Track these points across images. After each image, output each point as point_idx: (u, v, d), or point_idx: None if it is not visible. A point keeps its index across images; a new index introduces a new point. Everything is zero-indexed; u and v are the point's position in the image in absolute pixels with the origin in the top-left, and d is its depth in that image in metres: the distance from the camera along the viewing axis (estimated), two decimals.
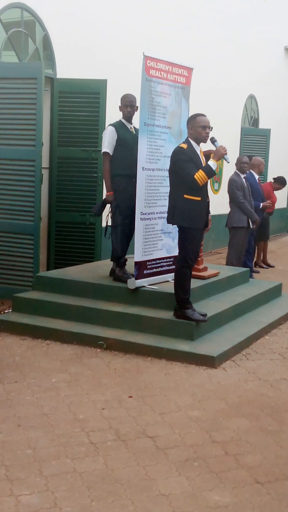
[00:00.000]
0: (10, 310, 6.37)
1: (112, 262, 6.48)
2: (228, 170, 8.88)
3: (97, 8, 8.38)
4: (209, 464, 3.49)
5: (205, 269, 6.76)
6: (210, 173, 5.31)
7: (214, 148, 5.49)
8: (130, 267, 6.21)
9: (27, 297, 6.28)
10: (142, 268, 6.00)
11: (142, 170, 5.83)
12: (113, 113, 6.71)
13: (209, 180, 5.42)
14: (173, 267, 6.14)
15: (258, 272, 9.76)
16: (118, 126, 6.20)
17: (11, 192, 6.86)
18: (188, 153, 5.36)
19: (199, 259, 6.36)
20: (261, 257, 10.66)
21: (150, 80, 5.80)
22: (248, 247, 8.90)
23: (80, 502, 3.05)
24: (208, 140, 5.51)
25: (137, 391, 4.54)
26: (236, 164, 8.53)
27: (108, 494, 3.13)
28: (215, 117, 7.28)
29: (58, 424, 3.94)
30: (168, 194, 5.79)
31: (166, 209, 5.85)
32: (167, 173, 5.79)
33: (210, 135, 5.51)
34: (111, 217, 6.27)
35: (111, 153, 6.14)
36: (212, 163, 5.31)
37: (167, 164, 5.86)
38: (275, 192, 10.60)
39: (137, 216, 5.86)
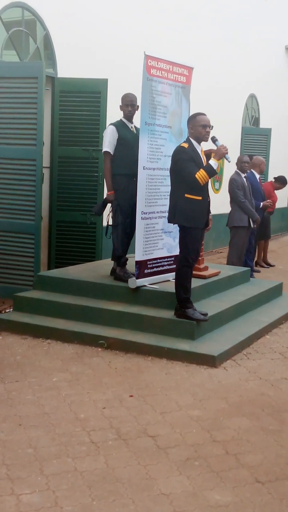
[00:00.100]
0: (11, 310, 6.38)
1: (113, 262, 6.48)
2: (229, 169, 8.90)
3: (98, 7, 8.38)
4: (210, 464, 3.49)
5: (206, 268, 6.77)
6: (211, 172, 5.31)
7: (215, 148, 5.49)
8: (131, 266, 6.21)
9: (28, 296, 6.28)
10: (142, 268, 6.00)
11: (143, 169, 5.83)
12: (114, 113, 6.71)
13: (210, 180, 5.42)
14: (174, 266, 6.14)
15: (258, 271, 9.76)
16: (119, 125, 6.21)
17: (12, 192, 6.86)
18: (189, 153, 5.36)
19: (200, 258, 6.36)
20: (262, 256, 10.66)
21: (151, 80, 5.80)
22: (249, 247, 8.90)
23: (81, 501, 3.05)
24: (209, 140, 5.51)
25: (138, 391, 4.55)
26: (236, 164, 8.53)
27: (109, 494, 3.13)
28: (216, 116, 7.29)
29: (59, 423, 3.95)
30: (168, 194, 5.79)
31: (166, 208, 5.85)
32: (167, 173, 5.79)
33: (211, 134, 5.52)
34: (112, 217, 6.27)
35: (112, 153, 6.14)
36: (213, 162, 5.31)
37: (167, 163, 5.86)
38: (275, 191, 10.59)
39: (138, 215, 5.86)
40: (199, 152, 5.48)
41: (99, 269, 6.82)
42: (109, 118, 7.04)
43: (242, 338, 5.69)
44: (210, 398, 4.47)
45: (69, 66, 7.88)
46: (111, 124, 6.25)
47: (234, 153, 10.62)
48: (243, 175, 8.49)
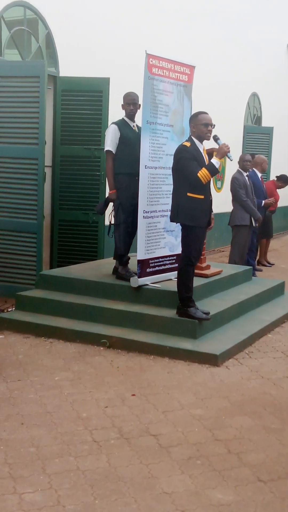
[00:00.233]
0: (13, 309, 6.38)
1: (115, 260, 6.48)
2: (231, 168, 8.89)
3: (100, 7, 8.38)
4: (212, 462, 3.49)
5: (208, 267, 6.76)
6: (213, 171, 5.31)
7: (217, 146, 5.49)
8: (133, 265, 6.21)
9: (30, 295, 6.29)
10: (145, 266, 6.00)
11: (145, 168, 5.83)
12: (115, 112, 6.71)
13: (212, 179, 5.42)
14: (176, 265, 6.15)
15: (261, 270, 9.75)
16: (121, 124, 6.20)
17: (14, 191, 6.87)
18: (191, 151, 5.36)
19: (202, 257, 6.36)
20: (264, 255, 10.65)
21: (152, 78, 5.80)
22: (251, 245, 8.90)
23: (83, 500, 3.06)
24: (211, 138, 5.51)
25: (140, 389, 4.55)
26: (239, 162, 8.52)
27: (111, 492, 3.14)
28: (218, 115, 7.28)
29: (61, 422, 3.95)
30: (170, 192, 5.79)
31: (168, 207, 5.85)
32: (169, 171, 5.78)
33: (213, 133, 5.51)
34: (114, 216, 6.27)
35: (114, 152, 6.14)
36: (215, 161, 5.31)
37: (169, 162, 5.86)
38: (278, 190, 10.58)
39: (140, 214, 5.86)
40: (201, 151, 5.47)
41: (101, 268, 6.82)
42: (111, 117, 7.04)
43: (244, 337, 5.69)
44: (212, 397, 4.47)
45: (71, 65, 7.88)
46: (113, 123, 6.25)
47: (236, 152, 10.61)
48: (245, 174, 8.49)
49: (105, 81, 7.45)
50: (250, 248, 8.88)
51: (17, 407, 4.17)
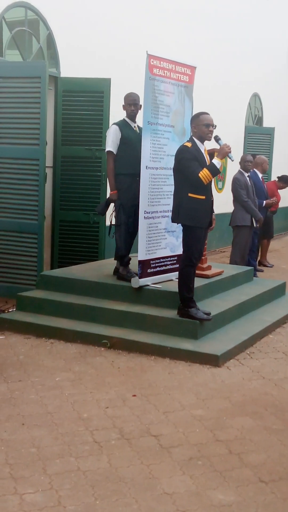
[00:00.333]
0: (14, 309, 6.38)
1: (116, 261, 6.48)
2: (232, 169, 8.88)
3: (101, 7, 8.38)
4: (213, 463, 3.49)
5: (209, 268, 6.76)
6: (214, 171, 5.31)
7: (218, 147, 5.48)
8: (134, 266, 6.21)
9: (31, 296, 6.28)
10: (145, 267, 6.00)
11: (146, 169, 5.83)
12: (116, 112, 6.71)
13: (213, 179, 5.42)
14: (177, 266, 6.14)
15: (262, 271, 9.75)
16: (122, 125, 6.20)
17: (15, 191, 6.87)
18: (193, 152, 5.36)
19: (203, 258, 6.35)
20: (265, 255, 10.64)
21: (153, 79, 5.80)
22: (252, 246, 8.89)
23: (84, 501, 3.05)
24: (212, 139, 5.51)
25: (141, 390, 4.54)
26: (240, 163, 8.52)
27: (112, 493, 3.13)
28: (219, 115, 7.28)
29: (62, 422, 3.95)
30: (171, 193, 5.79)
31: (169, 208, 5.85)
32: (170, 172, 5.78)
33: (214, 134, 5.51)
34: (115, 216, 6.26)
35: (115, 152, 6.14)
36: (216, 161, 5.31)
37: (170, 162, 5.85)
38: (279, 190, 10.58)
39: (141, 215, 5.86)
40: (203, 151, 5.47)
41: (102, 268, 6.82)
42: (112, 118, 7.04)
43: (245, 337, 5.68)
44: (213, 397, 4.47)
45: (72, 66, 7.88)
46: (114, 123, 6.25)
47: (237, 153, 10.59)
48: (246, 175, 8.49)
49: (106, 82, 7.45)
50: (251, 248, 8.87)
51: (18, 407, 4.17)
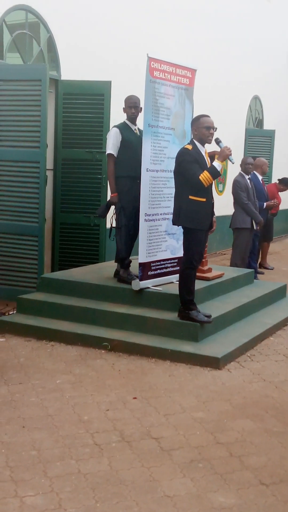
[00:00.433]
0: (15, 312, 6.38)
1: (116, 264, 6.48)
2: (233, 171, 8.89)
3: (101, 10, 8.39)
4: (213, 466, 3.48)
5: (209, 270, 6.76)
6: (215, 173, 5.31)
7: (218, 149, 5.49)
8: (134, 268, 6.21)
9: (31, 298, 6.28)
10: (146, 269, 6.00)
11: (146, 171, 5.83)
12: (117, 115, 6.72)
13: (213, 182, 5.42)
14: (178, 268, 6.14)
15: (262, 273, 9.74)
16: (122, 127, 6.21)
17: (15, 194, 6.87)
18: (193, 154, 5.36)
19: (203, 260, 6.35)
20: (266, 258, 10.63)
21: (154, 82, 5.81)
22: (253, 248, 8.90)
23: (84, 504, 3.05)
24: (213, 141, 5.51)
25: (141, 393, 4.54)
26: (241, 165, 8.53)
27: (112, 495, 3.13)
28: (219, 118, 7.28)
29: (62, 425, 3.95)
30: (172, 195, 5.80)
31: (170, 210, 5.86)
32: (171, 174, 5.79)
33: (215, 136, 5.52)
34: (116, 219, 6.27)
35: (115, 155, 6.15)
36: (217, 163, 5.31)
37: (171, 165, 5.86)
38: (280, 193, 10.58)
39: (141, 217, 5.86)
40: (203, 153, 5.48)
41: (103, 271, 6.82)
42: (113, 120, 7.04)
43: (246, 340, 5.68)
44: (213, 400, 4.46)
45: (73, 69, 7.89)
46: (115, 126, 6.25)
47: (237, 155, 10.61)
48: (247, 177, 8.49)
49: (107, 85, 7.45)
50: (252, 251, 8.88)
51: (19, 410, 4.17)
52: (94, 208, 7.29)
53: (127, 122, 6.28)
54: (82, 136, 7.60)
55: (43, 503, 3.04)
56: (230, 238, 8.92)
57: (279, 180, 10.71)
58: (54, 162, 7.82)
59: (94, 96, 7.51)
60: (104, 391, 4.54)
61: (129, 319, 5.76)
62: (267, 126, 14.18)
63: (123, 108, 6.28)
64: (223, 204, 10.08)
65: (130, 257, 6.33)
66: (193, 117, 5.74)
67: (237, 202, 8.45)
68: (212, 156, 5.68)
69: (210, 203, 5.52)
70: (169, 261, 6.32)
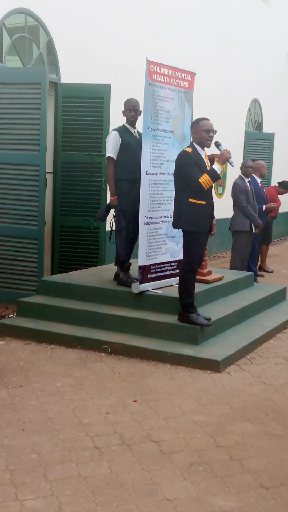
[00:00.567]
0: (15, 315, 6.38)
1: (116, 266, 6.48)
2: (233, 174, 8.89)
3: (101, 13, 8.41)
4: (214, 469, 3.48)
5: (209, 273, 6.76)
6: (215, 176, 5.31)
7: (218, 152, 5.49)
8: (134, 271, 6.21)
9: (31, 301, 6.28)
10: (146, 272, 6.00)
11: (146, 174, 5.84)
12: (116, 118, 6.72)
13: (213, 184, 5.43)
14: (177, 271, 6.15)
15: (262, 276, 9.75)
16: (122, 130, 6.22)
17: (15, 197, 6.87)
18: (193, 157, 5.37)
19: (203, 263, 6.36)
20: (265, 261, 10.64)
21: (153, 85, 5.81)
22: (253, 251, 8.90)
23: (84, 507, 3.04)
24: (213, 144, 5.52)
25: (141, 396, 4.54)
26: (241, 168, 8.54)
27: (112, 499, 3.12)
28: (219, 121, 7.29)
29: (62, 428, 3.94)
30: (171, 198, 5.80)
31: (169, 213, 5.86)
32: (170, 177, 5.79)
33: (215, 139, 5.52)
34: (115, 222, 6.27)
35: (115, 158, 6.16)
36: (216, 166, 5.32)
37: (170, 168, 5.87)
38: (279, 196, 10.59)
39: (141, 220, 5.87)
40: (203, 156, 5.48)
41: (103, 274, 6.82)
42: (112, 123, 7.05)
43: (246, 342, 5.68)
44: (214, 403, 4.46)
45: (72, 72, 7.90)
46: (114, 129, 6.26)
47: (237, 158, 10.62)
48: (246, 180, 8.50)
49: (106, 88, 7.46)
50: (252, 254, 8.88)
51: (18, 413, 4.16)
52: (93, 211, 7.30)
53: (127, 125, 6.28)
54: (82, 139, 7.61)
55: (43, 506, 3.04)
56: (229, 241, 8.93)
57: (279, 183, 10.72)
58: (54, 165, 7.83)
59: (94, 99, 7.52)
60: (104, 394, 4.54)
61: (129, 322, 5.76)
62: (266, 129, 14.20)
63: (123, 111, 6.29)
64: (223, 207, 10.08)
65: (130, 260, 6.33)
66: (193, 120, 5.75)
67: (236, 205, 8.46)
68: (211, 159, 5.68)
69: (210, 206, 5.52)
70: (169, 264, 6.32)
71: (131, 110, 6.22)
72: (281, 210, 10.66)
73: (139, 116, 6.23)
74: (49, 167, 7.65)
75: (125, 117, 6.29)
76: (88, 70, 8.13)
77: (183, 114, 6.30)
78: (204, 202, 5.41)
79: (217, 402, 4.48)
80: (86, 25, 8.17)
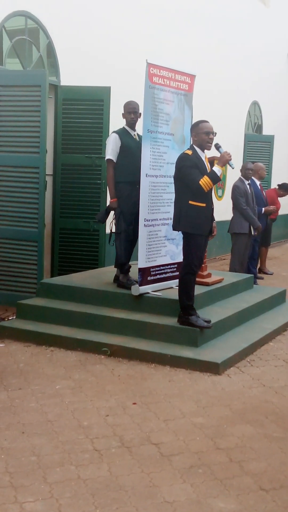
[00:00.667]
0: (14, 317, 6.38)
1: (116, 269, 6.48)
2: (233, 176, 8.90)
3: (101, 15, 8.42)
4: (213, 471, 3.48)
5: (209, 275, 6.76)
6: (215, 178, 5.32)
7: (218, 155, 5.50)
8: (134, 273, 6.21)
9: (31, 303, 6.28)
10: (146, 275, 6.00)
11: (146, 176, 5.84)
12: (116, 120, 6.73)
13: (213, 187, 5.43)
14: (177, 273, 6.15)
15: (262, 278, 9.75)
16: (122, 133, 6.22)
17: (15, 199, 6.88)
18: (193, 159, 5.38)
19: (203, 265, 6.36)
20: (264, 263, 10.64)
21: (153, 87, 5.82)
22: (253, 253, 8.90)
23: (84, 509, 3.04)
24: (213, 147, 5.53)
25: (141, 398, 4.54)
26: (241, 171, 8.55)
27: (112, 501, 3.12)
28: (219, 123, 7.30)
29: (62, 431, 3.94)
30: (171, 201, 5.81)
31: (169, 215, 5.86)
32: (170, 180, 5.80)
33: (215, 141, 5.53)
34: (115, 224, 6.28)
35: (114, 160, 6.16)
36: (217, 169, 5.33)
37: (170, 170, 5.87)
38: (279, 198, 10.59)
39: (141, 222, 5.87)
40: (203, 159, 5.49)
41: (102, 276, 6.82)
42: (112, 126, 7.06)
43: (246, 345, 5.68)
44: (213, 405, 4.46)
45: (72, 74, 7.91)
46: (114, 131, 6.27)
47: (237, 161, 10.63)
48: (246, 182, 8.50)
49: (106, 90, 7.47)
50: (252, 256, 8.88)
51: (18, 415, 4.16)
52: (93, 213, 7.30)
53: (126, 127, 6.29)
54: (82, 142, 7.61)
55: (42, 509, 3.04)
56: (229, 243, 8.93)
57: (278, 185, 10.73)
58: (54, 167, 7.83)
59: (94, 101, 7.53)
60: (104, 397, 4.54)
61: (129, 324, 5.76)
62: (266, 131, 14.21)
63: (122, 113, 6.30)
64: (223, 209, 10.09)
65: (130, 262, 6.34)
66: (192, 122, 5.75)
67: (235, 207, 8.46)
68: (211, 161, 5.69)
69: (210, 208, 5.53)
70: (169, 266, 6.32)
71: (131, 112, 6.23)
72: (281, 212, 10.67)
73: (139, 119, 6.23)
74: (49, 169, 7.65)
75: (124, 119, 6.29)
76: (88, 73, 8.14)
77: (183, 117, 6.31)
78: (204, 204, 5.42)
79: (217, 404, 4.48)
80: (86, 28, 8.18)
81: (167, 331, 5.59)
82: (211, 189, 5.42)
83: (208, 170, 5.44)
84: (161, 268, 6.22)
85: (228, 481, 3.37)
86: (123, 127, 6.30)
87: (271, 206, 9.47)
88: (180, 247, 5.85)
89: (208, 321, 5.60)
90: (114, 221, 6.30)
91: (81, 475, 3.38)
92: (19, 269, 6.91)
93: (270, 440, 3.92)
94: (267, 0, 14.11)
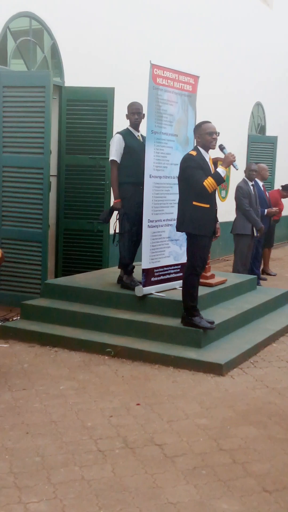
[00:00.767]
0: (18, 318, 6.39)
1: (119, 270, 6.49)
2: (236, 177, 8.90)
3: (104, 16, 8.43)
4: (217, 472, 3.48)
5: (212, 276, 6.76)
6: (219, 179, 5.32)
7: (222, 156, 5.51)
8: (137, 274, 6.22)
9: (35, 304, 6.30)
10: (149, 276, 6.01)
11: (149, 177, 5.85)
12: (120, 121, 6.74)
13: (217, 188, 5.44)
14: (181, 274, 6.15)
15: (265, 279, 9.75)
16: (126, 134, 6.23)
17: (19, 200, 6.90)
18: (197, 160, 5.38)
19: (206, 266, 6.36)
20: (268, 264, 10.63)
21: (157, 88, 5.83)
22: (256, 254, 8.90)
23: (88, 510, 3.05)
24: (217, 147, 5.54)
25: (144, 399, 4.54)
26: (245, 172, 8.55)
27: (116, 502, 3.13)
28: (222, 124, 7.31)
29: (66, 431, 3.95)
30: (175, 202, 5.81)
31: (173, 216, 5.87)
32: (174, 181, 5.81)
33: (218, 142, 5.54)
34: (119, 225, 6.28)
35: (118, 161, 6.17)
36: (221, 170, 5.33)
37: (174, 171, 5.88)
38: (282, 199, 10.59)
39: (145, 223, 5.88)
40: (207, 160, 5.50)
41: (106, 277, 6.83)
42: (116, 127, 7.07)
43: (249, 346, 5.68)
44: (217, 406, 4.46)
45: (76, 75, 7.92)
46: (118, 132, 6.28)
47: (240, 161, 10.63)
48: (250, 183, 8.50)
49: (110, 91, 7.48)
50: (255, 257, 8.88)
51: (22, 416, 4.17)
52: (97, 214, 7.31)
53: (130, 128, 6.30)
54: (86, 142, 7.62)
55: (46, 509, 3.05)
56: (232, 244, 8.93)
57: (282, 186, 10.72)
58: (58, 168, 7.85)
59: (98, 102, 7.54)
60: (108, 397, 4.54)
61: (133, 325, 5.77)
62: (269, 132, 14.20)
63: (126, 114, 6.31)
64: (226, 210, 10.08)
65: (134, 263, 6.34)
66: (196, 123, 5.76)
67: (239, 208, 8.46)
68: (215, 162, 5.69)
69: (214, 209, 5.53)
70: (172, 267, 6.33)
71: (135, 113, 6.24)
72: (284, 213, 10.67)
73: (142, 119, 6.24)
74: (53, 170, 7.67)
75: (128, 120, 6.30)
76: (92, 74, 8.15)
77: (186, 118, 6.31)
78: (208, 205, 5.42)
79: (220, 405, 4.48)
80: (90, 29, 8.19)
81: (171, 332, 5.60)
82: (215, 190, 5.43)
83: (212, 171, 5.44)
84: (165, 269, 6.22)
85: (232, 483, 3.38)
86: (127, 128, 6.31)
87: (274, 208, 9.46)
88: (184, 248, 5.86)
89: (212, 322, 5.60)
90: (117, 222, 6.30)
91: (85, 475, 3.39)
92: (23, 269, 6.93)
93: (274, 441, 3.93)
94: (270, 1, 14.10)
